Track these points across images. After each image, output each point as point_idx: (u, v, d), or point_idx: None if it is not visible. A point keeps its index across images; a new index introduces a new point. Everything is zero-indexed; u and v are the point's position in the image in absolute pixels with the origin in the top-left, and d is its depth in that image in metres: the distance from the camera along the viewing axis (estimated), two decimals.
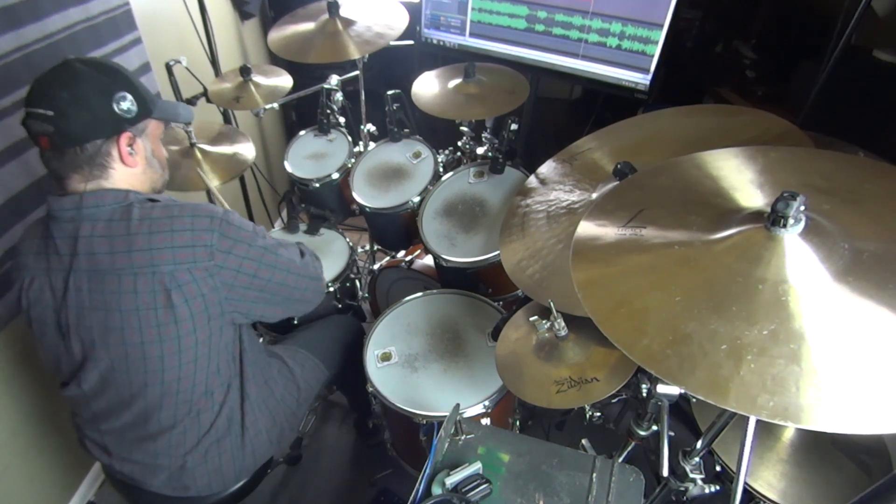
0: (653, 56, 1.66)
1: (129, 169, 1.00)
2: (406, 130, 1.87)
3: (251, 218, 2.30)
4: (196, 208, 1.00)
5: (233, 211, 1.06)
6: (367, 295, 1.91)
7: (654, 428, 1.08)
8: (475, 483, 0.85)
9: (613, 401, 1.16)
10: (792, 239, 0.66)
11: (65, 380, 1.08)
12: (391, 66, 2.29)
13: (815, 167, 0.81)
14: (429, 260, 1.68)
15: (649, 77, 1.70)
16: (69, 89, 0.91)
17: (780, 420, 0.55)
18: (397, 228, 1.79)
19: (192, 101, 1.75)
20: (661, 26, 1.61)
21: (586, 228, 0.84)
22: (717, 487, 1.01)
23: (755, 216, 0.71)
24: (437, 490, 0.84)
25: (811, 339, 0.59)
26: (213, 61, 1.94)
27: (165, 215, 0.97)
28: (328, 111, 1.94)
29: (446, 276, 1.59)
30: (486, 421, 1.22)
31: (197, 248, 0.97)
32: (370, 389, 1.31)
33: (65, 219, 0.96)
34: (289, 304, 1.16)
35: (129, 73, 1.00)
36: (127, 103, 0.96)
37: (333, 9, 1.71)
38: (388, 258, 1.96)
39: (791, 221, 0.65)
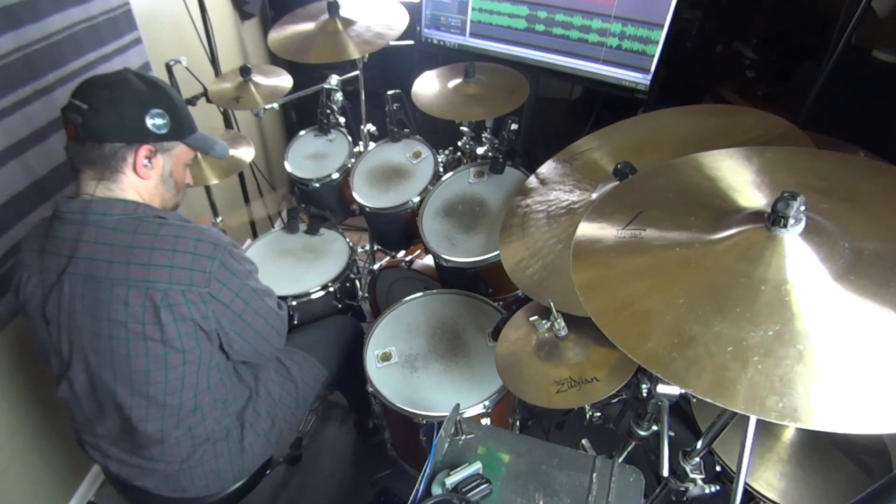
0: (653, 56, 1.66)
1: (139, 179, 1.01)
2: (406, 130, 1.87)
3: (251, 218, 2.30)
4: (202, 232, 1.00)
5: (237, 243, 1.07)
6: (367, 295, 1.91)
7: (654, 428, 1.08)
8: (475, 483, 0.84)
9: (613, 401, 1.16)
10: (792, 239, 0.66)
11: (57, 379, 1.09)
12: (391, 66, 2.29)
13: (811, 167, 0.81)
14: (429, 260, 1.68)
15: (649, 77, 1.70)
16: (111, 90, 0.95)
17: (788, 421, 0.55)
18: (397, 228, 1.79)
19: (192, 101, 1.75)
20: (662, 26, 1.61)
21: (585, 231, 0.84)
22: (717, 487, 1.01)
23: (755, 216, 0.71)
24: (437, 490, 0.84)
25: (816, 339, 0.59)
26: (213, 61, 1.94)
27: (171, 234, 0.97)
28: (328, 111, 1.94)
29: (446, 276, 1.59)
30: (486, 421, 1.22)
31: (195, 273, 0.97)
32: (370, 389, 1.31)
33: (70, 220, 0.97)
34: (251, 352, 1.15)
35: (177, 98, 1.04)
36: (160, 120, 1.00)
37: (333, 9, 1.71)
38: (388, 258, 1.96)
39: (791, 221, 0.65)
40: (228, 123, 2.04)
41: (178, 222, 1.01)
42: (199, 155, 1.62)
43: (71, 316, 0.99)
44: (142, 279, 0.95)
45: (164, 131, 1.01)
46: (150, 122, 0.98)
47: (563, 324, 1.03)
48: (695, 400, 1.17)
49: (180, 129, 1.04)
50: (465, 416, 1.20)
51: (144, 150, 1.00)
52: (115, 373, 1.01)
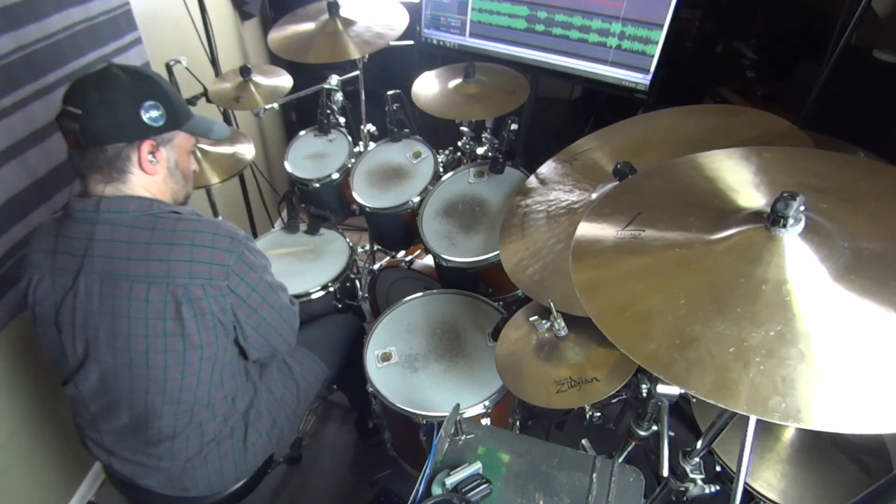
0: (653, 56, 1.66)
1: (147, 176, 1.01)
2: (406, 130, 1.87)
3: (251, 218, 2.30)
4: (218, 226, 1.01)
5: (251, 237, 1.07)
6: (367, 295, 1.91)
7: (654, 428, 1.08)
8: (475, 483, 0.84)
9: (613, 401, 1.16)
10: (792, 239, 0.66)
11: (65, 378, 1.09)
12: (391, 66, 2.29)
13: (809, 166, 0.81)
14: (429, 260, 1.68)
15: (649, 77, 1.69)
16: (100, 91, 0.93)
17: (792, 422, 0.55)
18: (397, 228, 1.79)
19: (192, 101, 1.75)
20: (662, 26, 1.61)
21: (585, 232, 0.84)
22: (717, 487, 1.01)
23: (754, 216, 0.71)
24: (437, 490, 0.84)
25: (817, 339, 0.59)
26: (213, 61, 1.94)
27: (188, 229, 0.98)
28: (328, 111, 1.94)
29: (446, 276, 1.59)
30: (486, 421, 1.22)
31: (214, 266, 0.98)
32: (370, 389, 1.31)
33: (82, 219, 0.97)
34: (265, 346, 1.15)
35: (166, 85, 1.01)
36: (155, 112, 0.98)
37: (333, 9, 1.71)
38: (388, 258, 1.96)
39: (791, 221, 0.65)
40: (228, 123, 2.04)
41: (193, 216, 1.01)
42: (200, 155, 1.62)
43: (87, 315, 0.99)
44: (163, 275, 0.95)
45: (161, 123, 0.99)
46: (145, 116, 0.97)
47: (563, 324, 1.03)
48: (695, 400, 1.17)
49: (176, 117, 1.02)
50: (465, 416, 1.20)
51: (147, 145, 0.98)
52: (132, 370, 1.01)
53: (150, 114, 0.97)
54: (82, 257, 0.97)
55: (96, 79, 0.95)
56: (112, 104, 0.94)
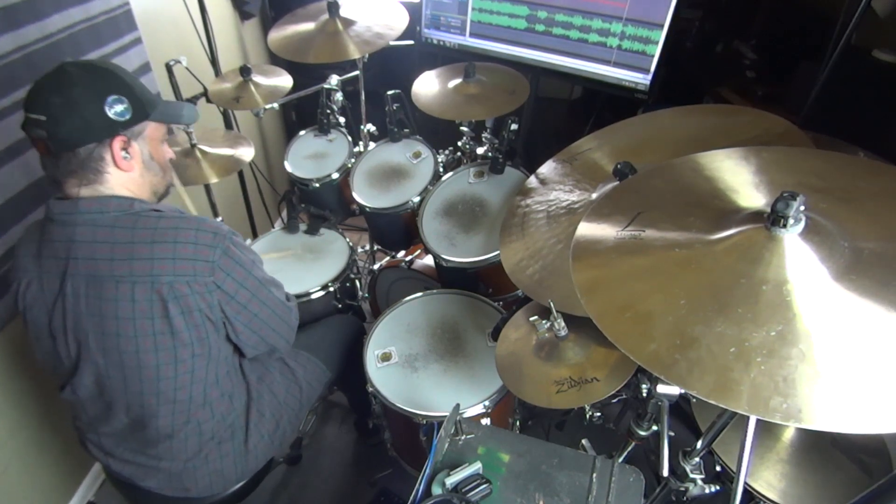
0: (653, 56, 1.66)
1: (124, 173, 0.99)
2: (406, 130, 1.87)
3: (251, 218, 2.30)
4: (201, 222, 0.99)
5: (238, 233, 1.05)
6: (367, 295, 1.91)
7: (654, 428, 1.08)
8: (475, 483, 0.85)
9: (613, 401, 1.16)
10: (792, 239, 0.66)
11: (61, 383, 1.08)
12: (391, 66, 2.29)
13: (809, 166, 0.81)
14: (429, 260, 1.68)
15: (649, 77, 1.69)
16: (61, 94, 0.90)
17: (793, 422, 0.55)
18: (397, 228, 1.79)
19: (192, 101, 1.75)
20: (662, 26, 1.61)
21: (585, 232, 0.84)
22: (717, 487, 1.01)
23: (754, 216, 0.71)
24: (437, 490, 0.84)
25: (818, 339, 0.59)
26: (213, 61, 1.94)
27: (170, 226, 0.96)
28: (328, 111, 1.94)
29: (446, 276, 1.59)
30: (486, 421, 1.22)
31: (198, 263, 0.96)
32: (370, 389, 1.31)
33: (64, 222, 0.95)
34: (260, 343, 1.14)
35: (125, 75, 0.98)
36: (120, 107, 0.94)
37: (333, 9, 1.71)
38: (388, 258, 1.96)
39: (791, 221, 0.65)
40: (228, 123, 2.04)
41: (175, 214, 1.00)
42: (199, 154, 1.62)
43: (77, 318, 0.98)
44: (146, 274, 0.94)
45: (128, 116, 0.95)
46: (110, 111, 0.93)
47: (563, 324, 1.03)
48: (695, 400, 1.18)
49: (142, 107, 0.98)
50: (465, 416, 1.20)
51: (118, 142, 0.95)
52: (125, 371, 1.00)
53: (115, 108, 0.93)
54: (66, 260, 0.96)
55: (54, 80, 0.91)
56: (75, 105, 0.90)
